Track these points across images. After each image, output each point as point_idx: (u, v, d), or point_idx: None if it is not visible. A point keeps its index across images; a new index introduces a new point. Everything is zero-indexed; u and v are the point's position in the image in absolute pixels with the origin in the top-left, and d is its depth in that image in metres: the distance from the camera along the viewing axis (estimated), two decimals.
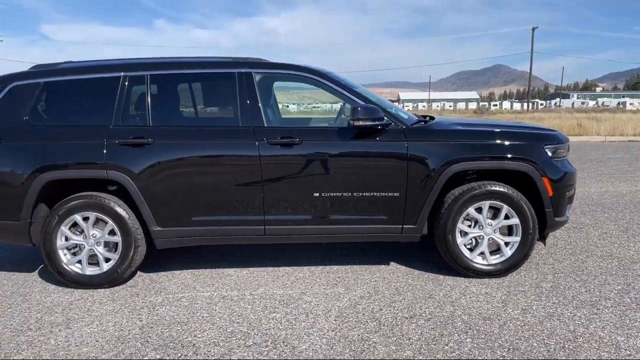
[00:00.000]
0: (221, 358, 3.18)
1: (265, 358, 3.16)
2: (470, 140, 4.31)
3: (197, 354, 3.23)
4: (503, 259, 4.36)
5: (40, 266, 4.97)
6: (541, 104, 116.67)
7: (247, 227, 4.37)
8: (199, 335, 3.48)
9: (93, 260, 4.39)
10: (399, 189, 4.28)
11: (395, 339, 3.36)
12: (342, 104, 5.30)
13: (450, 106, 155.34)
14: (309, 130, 4.52)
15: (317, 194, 4.30)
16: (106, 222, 4.32)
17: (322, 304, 3.95)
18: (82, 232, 4.35)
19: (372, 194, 4.30)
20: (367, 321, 3.63)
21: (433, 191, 4.27)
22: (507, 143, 4.31)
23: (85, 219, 4.31)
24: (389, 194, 4.30)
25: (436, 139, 4.30)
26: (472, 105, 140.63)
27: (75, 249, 4.40)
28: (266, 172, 4.25)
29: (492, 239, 4.36)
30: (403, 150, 4.25)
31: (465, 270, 4.36)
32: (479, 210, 4.32)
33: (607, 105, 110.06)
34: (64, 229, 4.31)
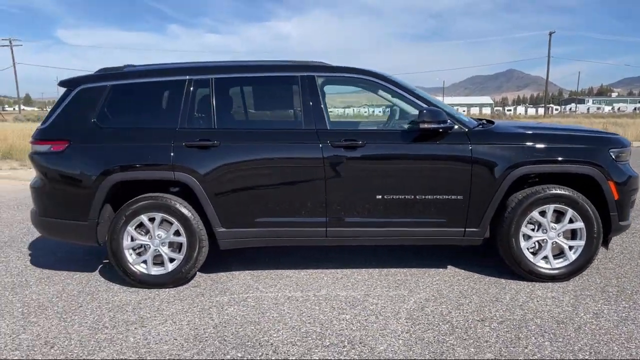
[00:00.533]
0: (302, 357, 3.21)
1: (345, 358, 3.19)
2: (535, 143, 4.30)
3: (277, 353, 3.27)
4: (567, 263, 4.35)
5: (100, 266, 5.04)
6: (556, 109, 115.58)
7: (309, 229, 4.41)
8: (274, 335, 3.51)
9: (157, 260, 4.46)
10: (462, 192, 4.29)
11: (472, 341, 3.37)
12: (390, 107, 5.34)
13: (464, 111, 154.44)
14: (372, 133, 4.54)
15: (380, 196, 4.33)
16: (171, 223, 4.38)
17: (389, 306, 3.97)
18: (147, 232, 4.41)
19: (434, 196, 4.32)
20: (438, 323, 3.64)
21: (497, 194, 4.27)
22: (572, 146, 4.31)
23: (151, 219, 4.38)
24: (452, 197, 4.31)
25: (501, 141, 4.31)
26: (486, 110, 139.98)
27: (140, 249, 4.47)
28: (329, 174, 4.29)
29: (556, 242, 4.35)
30: (467, 153, 4.26)
31: (528, 274, 4.35)
32: (543, 213, 4.31)
33: (624, 111, 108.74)
34: (130, 229, 4.38)
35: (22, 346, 3.40)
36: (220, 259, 5.04)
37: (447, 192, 4.30)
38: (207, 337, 3.51)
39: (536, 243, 4.38)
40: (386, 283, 4.45)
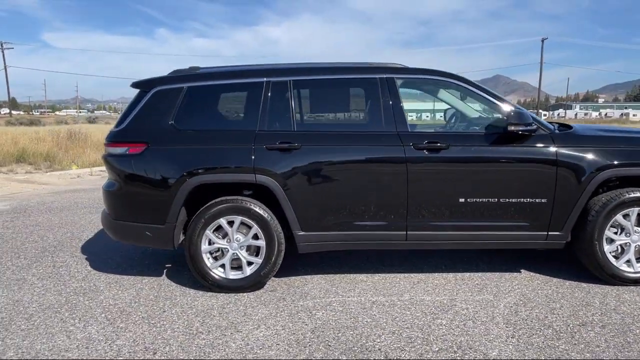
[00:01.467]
0: None
1: None
2: (617, 146, 4.29)
3: (389, 359, 3.20)
4: None
5: (165, 270, 4.95)
6: (544, 114, 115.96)
7: (388, 232, 4.35)
8: (378, 340, 3.44)
9: (234, 264, 4.37)
10: (546, 195, 4.26)
11: (583, 346, 3.32)
12: (447, 109, 5.32)
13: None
14: (455, 135, 4.48)
15: (463, 200, 4.28)
16: (249, 226, 4.30)
17: (481, 310, 3.91)
18: (224, 236, 4.33)
19: (518, 199, 4.28)
20: (540, 328, 3.59)
21: (582, 198, 4.24)
22: None
23: (230, 222, 4.30)
24: (536, 200, 4.27)
25: (585, 144, 4.28)
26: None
27: (216, 253, 4.38)
28: (412, 177, 4.24)
29: (639, 246, 4.33)
30: (552, 156, 4.23)
31: (611, 277, 4.32)
32: (626, 217, 4.29)
33: (610, 117, 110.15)
34: (209, 232, 4.29)
35: (123, 352, 3.31)
36: (285, 262, 4.95)
37: (531, 195, 4.27)
38: (309, 342, 3.43)
39: (619, 247, 4.36)
40: (467, 287, 4.40)
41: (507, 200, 4.28)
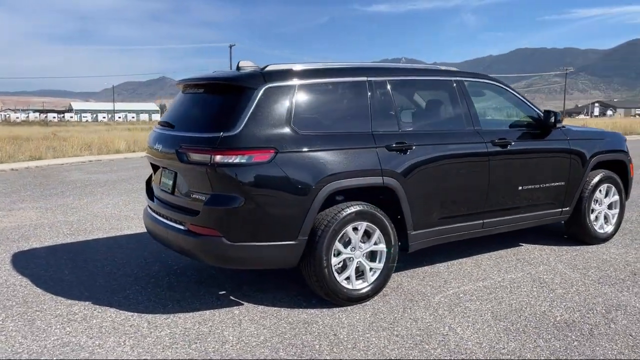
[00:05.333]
0: None
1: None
2: (597, 139, 5.66)
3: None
4: (612, 228, 5.81)
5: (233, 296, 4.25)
6: None
7: (472, 222, 4.76)
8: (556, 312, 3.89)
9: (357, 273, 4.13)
10: (564, 178, 5.29)
11: None
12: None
13: (133, 117, 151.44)
14: (514, 132, 5.06)
15: (520, 187, 4.99)
16: (370, 232, 4.13)
17: (565, 280, 4.69)
18: (348, 244, 4.05)
19: (551, 184, 5.22)
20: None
21: (584, 178, 5.43)
22: (612, 140, 5.82)
23: (355, 229, 4.04)
24: (559, 183, 5.27)
25: (582, 137, 5.50)
26: (156, 117, 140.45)
27: (338, 265, 4.05)
28: (492, 169, 4.75)
29: (606, 213, 5.77)
30: (567, 145, 5.30)
31: (594, 239, 5.64)
32: (601, 191, 5.65)
33: None
34: (338, 243, 3.96)
35: None
36: None
37: (556, 179, 5.24)
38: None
39: (597, 215, 5.70)
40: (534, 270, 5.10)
41: (544, 185, 5.17)
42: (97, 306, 4.04)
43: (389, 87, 4.38)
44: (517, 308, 4.00)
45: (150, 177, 4.83)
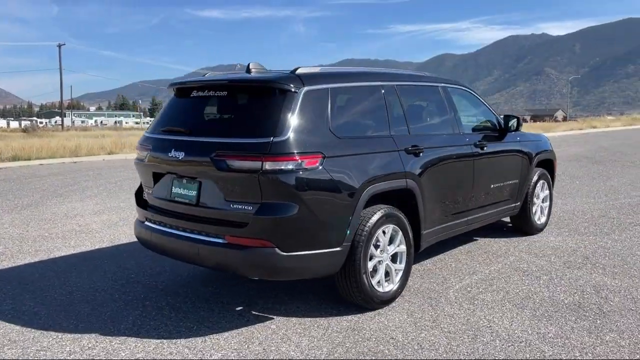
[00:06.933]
0: None
1: None
2: (534, 140, 6.31)
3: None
4: (545, 219, 6.55)
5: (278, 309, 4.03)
6: (41, 122, 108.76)
7: (461, 220, 5.07)
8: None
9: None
10: (518, 176, 5.87)
11: None
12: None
13: None
14: (485, 136, 5.42)
15: (492, 185, 5.43)
16: (394, 234, 4.20)
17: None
18: (377, 247, 4.07)
19: (510, 182, 5.75)
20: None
21: (531, 174, 6.06)
22: (540, 141, 6.52)
23: (383, 232, 4.09)
24: (515, 181, 5.83)
25: (528, 139, 6.15)
26: None
27: (371, 269, 4.04)
28: (475, 170, 5.13)
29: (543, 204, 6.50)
30: (519, 146, 5.88)
31: (536, 230, 6.31)
32: (540, 185, 6.35)
33: (106, 124, 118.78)
34: (372, 247, 3.97)
35: None
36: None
37: (514, 177, 5.80)
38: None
39: (536, 209, 6.38)
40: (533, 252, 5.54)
41: (505, 183, 5.68)
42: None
43: (398, 92, 4.49)
44: (525, 296, 4.36)
45: (140, 187, 4.36)
